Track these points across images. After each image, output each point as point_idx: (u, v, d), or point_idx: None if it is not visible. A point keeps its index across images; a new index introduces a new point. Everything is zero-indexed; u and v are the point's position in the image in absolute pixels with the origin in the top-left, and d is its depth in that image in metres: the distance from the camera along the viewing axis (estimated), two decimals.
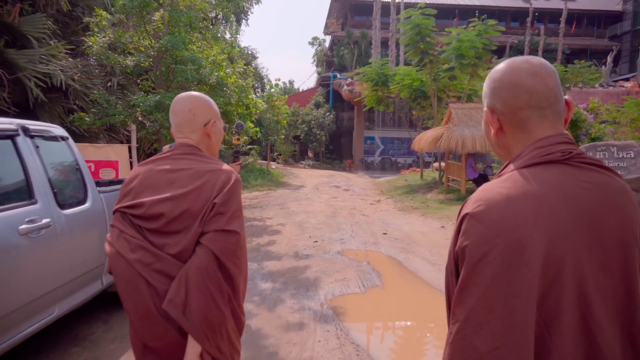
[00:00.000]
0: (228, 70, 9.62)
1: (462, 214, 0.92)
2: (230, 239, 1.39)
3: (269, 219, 9.14)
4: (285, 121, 20.44)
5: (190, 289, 1.33)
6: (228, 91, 9.11)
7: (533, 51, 31.65)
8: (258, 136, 11.41)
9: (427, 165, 27.76)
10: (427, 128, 18.03)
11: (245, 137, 14.30)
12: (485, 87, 1.05)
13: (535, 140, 0.96)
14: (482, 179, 11.45)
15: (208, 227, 1.38)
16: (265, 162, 21.20)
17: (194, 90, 8.76)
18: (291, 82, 51.50)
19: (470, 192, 11.76)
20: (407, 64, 23.41)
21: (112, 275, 1.42)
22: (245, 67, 10.83)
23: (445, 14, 35.97)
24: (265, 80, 32.99)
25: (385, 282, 4.97)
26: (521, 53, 29.43)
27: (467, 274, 0.85)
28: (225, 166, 1.53)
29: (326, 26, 41.86)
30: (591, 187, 0.89)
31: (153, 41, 9.02)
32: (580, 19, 40.03)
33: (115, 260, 1.40)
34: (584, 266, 0.85)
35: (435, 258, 5.90)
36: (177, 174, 1.46)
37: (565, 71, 20.30)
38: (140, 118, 8.66)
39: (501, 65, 1.02)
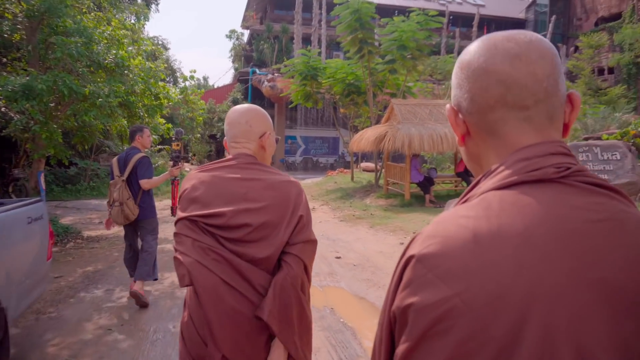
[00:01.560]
0: (131, 49, 7.50)
1: (406, 254, 0.64)
2: (314, 248, 1.53)
3: None
4: (201, 118, 18.20)
5: (286, 297, 1.40)
6: (131, 75, 7.03)
7: (449, 53, 32.37)
8: (170, 134, 9.36)
9: (348, 165, 27.15)
10: (356, 127, 16.98)
11: (154, 136, 12.09)
12: (453, 76, 0.75)
13: (516, 150, 0.66)
14: (427, 182, 10.46)
15: (297, 238, 1.46)
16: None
17: (83, 71, 6.60)
18: (206, 79, 48.58)
19: (415, 197, 10.73)
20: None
21: (193, 285, 1.39)
22: (155, 46, 8.68)
23: None
24: (178, 74, 30.11)
25: (369, 349, 3.45)
26: (438, 54, 29.85)
27: (407, 349, 0.58)
28: (290, 177, 1.57)
29: (244, 19, 39.60)
30: (600, 221, 0.59)
31: (24, 5, 6.66)
32: (490, 24, 42.08)
33: (195, 269, 1.38)
34: (592, 350, 0.52)
35: None
36: (250, 184, 1.48)
37: None
38: (2, 108, 6.31)
39: (473, 45, 0.72)
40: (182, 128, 18.07)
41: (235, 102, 28.92)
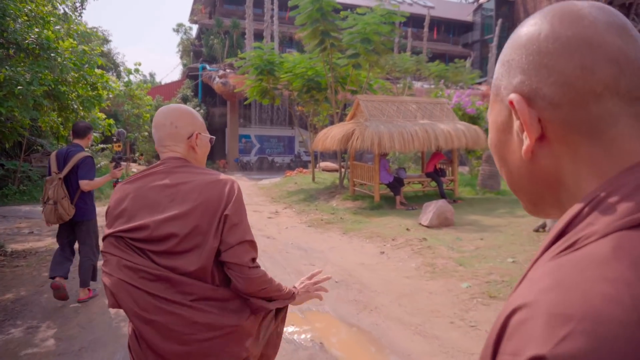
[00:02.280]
0: (59, 28, 6.28)
1: (519, 350, 0.38)
2: (251, 248, 1.38)
3: None
4: (148, 115, 16.78)
5: (260, 293, 1.39)
6: (60, 60, 5.84)
7: (401, 52, 32.49)
8: (113, 131, 8.17)
9: (304, 164, 26.45)
10: (314, 125, 16.24)
11: (95, 134, 10.70)
12: (513, 53, 0.53)
13: (633, 164, 0.46)
14: (397, 183, 9.87)
15: (227, 242, 1.33)
16: (124, 164, 17.25)
17: None
18: (152, 75, 46.07)
19: (385, 198, 10.11)
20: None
21: (120, 308, 1.31)
22: (91, 31, 7.43)
23: None
24: (122, 68, 28.06)
25: None
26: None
27: None
28: (223, 175, 1.44)
29: (192, 13, 37.83)
30: None
31: None
32: (439, 26, 42.86)
33: (120, 290, 1.29)
34: None
35: (419, 321, 3.78)
36: (177, 189, 1.37)
37: (446, 69, 20.58)
38: None
39: (541, 15, 0.53)
40: (127, 125, 16.66)
41: (185, 99, 27.44)
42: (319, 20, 10.90)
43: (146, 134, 18.90)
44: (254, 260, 1.37)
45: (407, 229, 7.14)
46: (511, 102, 0.52)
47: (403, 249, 6.16)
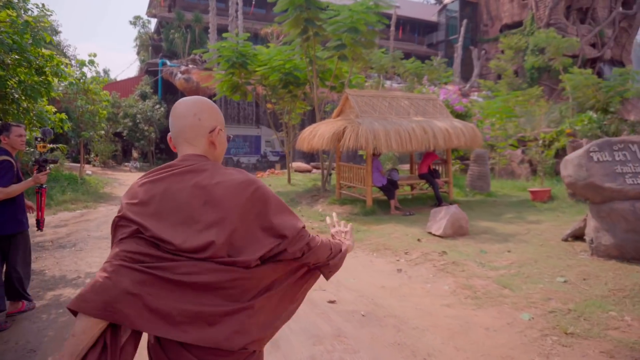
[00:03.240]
0: None
1: None
2: (303, 233, 1.38)
3: (92, 274, 4.95)
4: (105, 112, 15.15)
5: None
6: None
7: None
8: (66, 127, 6.86)
9: (271, 165, 25.34)
10: (285, 124, 15.17)
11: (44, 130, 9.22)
12: None
13: None
14: (392, 186, 9.00)
15: (286, 249, 1.32)
16: (78, 165, 15.56)
17: None
18: (107, 72, 43.31)
19: (378, 202, 9.21)
20: None
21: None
22: (38, 8, 6.04)
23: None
24: (73, 61, 25.85)
25: None
26: None
27: None
28: (249, 174, 1.38)
29: (151, 5, 35.75)
30: None
31: None
32: (405, 26, 42.76)
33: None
34: None
35: None
36: (208, 190, 1.27)
37: (422, 67, 20.11)
38: None
39: None
40: (81, 123, 14.91)
41: (144, 96, 25.69)
42: (303, 7, 9.87)
43: (102, 132, 17.19)
44: (309, 244, 1.37)
45: (418, 240, 6.25)
46: None
47: (422, 265, 5.25)
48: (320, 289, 4.51)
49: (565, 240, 5.87)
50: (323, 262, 1.46)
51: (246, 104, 25.82)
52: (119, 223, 1.25)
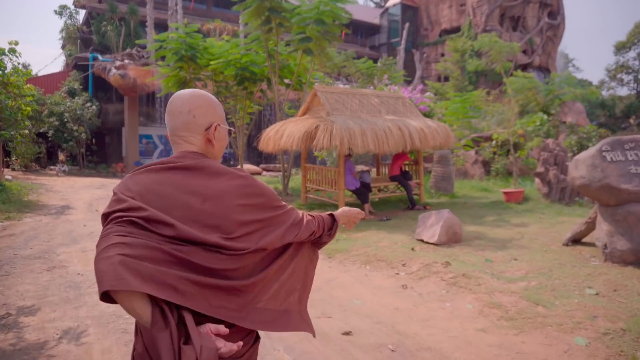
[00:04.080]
0: None
1: None
2: (299, 223, 1.42)
3: (26, 310, 3.85)
4: (29, 108, 13.32)
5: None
6: None
7: None
8: None
9: None
10: (234, 123, 14.21)
11: None
12: None
13: None
14: (365, 188, 8.41)
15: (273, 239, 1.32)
16: None
17: None
18: (26, 67, 39.41)
19: (351, 207, 8.56)
20: None
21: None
22: None
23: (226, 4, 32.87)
24: None
25: None
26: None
27: None
28: (244, 172, 1.33)
29: None
30: None
31: None
32: (347, 27, 42.78)
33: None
34: None
35: None
36: (206, 188, 1.23)
37: (374, 67, 19.90)
38: None
39: None
40: (0, 120, 12.98)
41: (72, 92, 23.41)
42: None
43: (26, 131, 15.20)
44: (300, 221, 1.42)
45: (412, 249, 5.68)
46: None
47: (428, 278, 4.67)
48: (325, 316, 3.77)
49: (567, 245, 5.57)
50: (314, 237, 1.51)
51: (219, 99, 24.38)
52: (112, 215, 1.15)
